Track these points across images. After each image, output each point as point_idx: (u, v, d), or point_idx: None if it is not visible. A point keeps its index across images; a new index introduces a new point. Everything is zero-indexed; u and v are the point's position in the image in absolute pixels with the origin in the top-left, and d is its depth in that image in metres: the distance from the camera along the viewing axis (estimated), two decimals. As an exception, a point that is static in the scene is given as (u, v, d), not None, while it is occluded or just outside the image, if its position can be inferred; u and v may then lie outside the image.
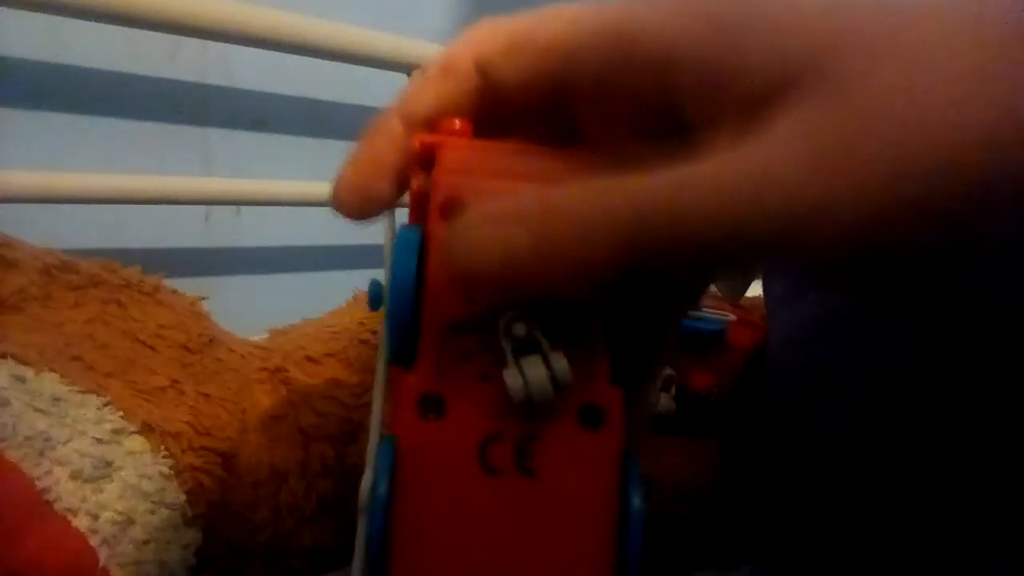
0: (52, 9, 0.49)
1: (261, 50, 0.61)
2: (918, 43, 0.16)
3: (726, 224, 0.16)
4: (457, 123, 0.22)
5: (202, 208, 0.64)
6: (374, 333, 0.36)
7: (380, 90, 0.69)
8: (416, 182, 0.21)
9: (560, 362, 0.19)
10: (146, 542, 0.27)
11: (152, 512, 0.27)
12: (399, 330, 0.20)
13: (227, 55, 0.64)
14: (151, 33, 0.56)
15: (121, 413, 0.28)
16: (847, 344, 0.33)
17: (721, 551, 0.37)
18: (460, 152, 0.21)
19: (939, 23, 0.16)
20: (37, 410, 0.26)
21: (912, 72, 0.16)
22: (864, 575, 0.31)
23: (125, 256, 0.36)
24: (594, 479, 0.20)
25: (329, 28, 0.61)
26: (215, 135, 0.65)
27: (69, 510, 0.25)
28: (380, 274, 0.22)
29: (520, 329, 0.19)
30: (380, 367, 0.22)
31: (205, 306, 0.37)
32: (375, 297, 0.22)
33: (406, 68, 0.64)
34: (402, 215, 0.23)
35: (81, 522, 0.25)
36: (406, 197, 0.22)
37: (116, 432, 0.28)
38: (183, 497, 0.29)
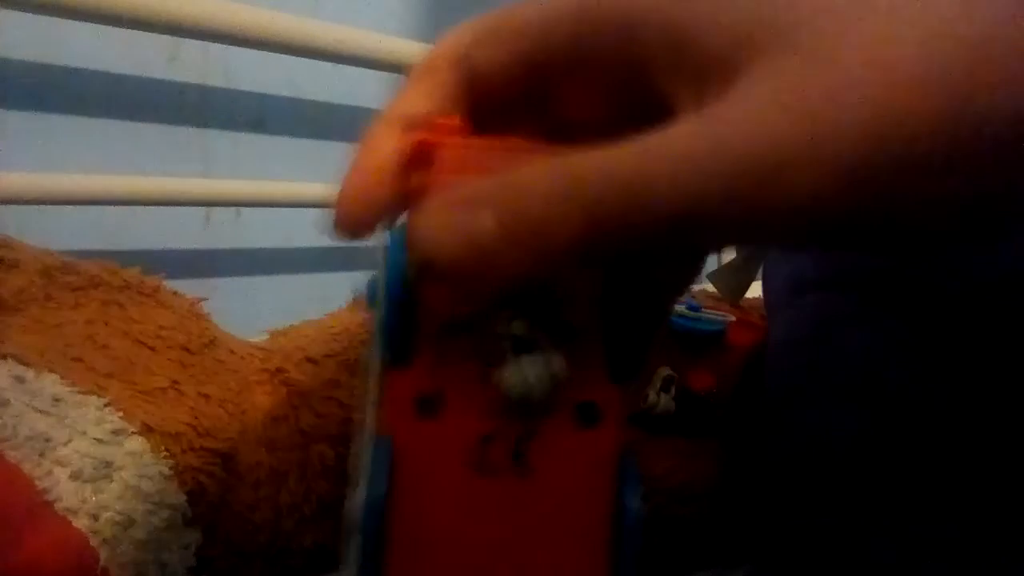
0: (52, 10, 0.49)
1: (261, 51, 0.61)
2: (886, 1, 0.15)
3: (691, 190, 0.16)
4: (453, 120, 0.22)
5: (202, 209, 0.65)
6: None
7: (379, 91, 0.69)
8: (414, 182, 0.21)
9: (557, 361, 0.19)
10: (146, 542, 0.27)
11: (152, 513, 0.27)
12: (394, 329, 0.20)
13: (227, 56, 0.64)
14: (151, 34, 0.56)
15: (121, 414, 0.28)
16: (847, 344, 0.33)
17: (720, 551, 0.37)
18: (457, 150, 0.21)
19: None
20: (37, 411, 0.26)
21: (882, 27, 0.15)
22: (864, 575, 0.31)
23: (125, 257, 0.36)
24: (591, 477, 0.20)
25: (328, 29, 0.61)
26: (215, 136, 0.65)
27: (69, 510, 0.25)
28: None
29: (518, 327, 0.20)
30: (372, 367, 0.22)
31: (205, 307, 0.37)
32: (372, 295, 0.22)
33: (405, 70, 0.64)
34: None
35: (81, 522, 0.25)
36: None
37: (116, 433, 0.28)
38: (183, 498, 0.29)
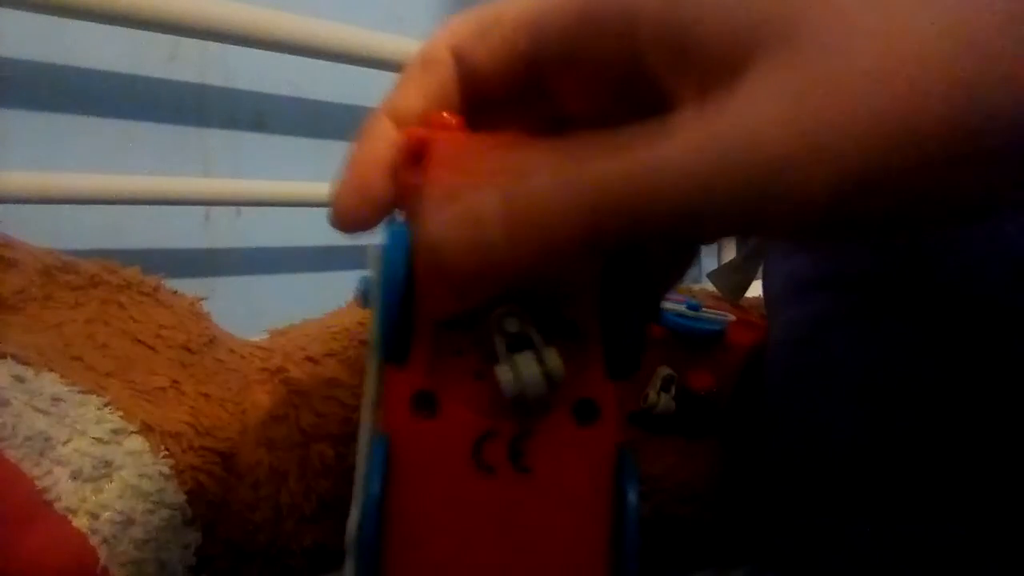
0: (52, 10, 0.49)
1: (261, 50, 0.61)
2: None
3: (697, 190, 0.16)
4: (448, 116, 0.22)
5: (202, 208, 0.64)
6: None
7: (380, 90, 0.69)
8: (408, 177, 0.21)
9: (553, 358, 0.19)
10: (146, 542, 0.27)
11: (152, 512, 0.27)
12: (391, 327, 0.20)
13: (227, 55, 0.64)
14: (151, 33, 0.56)
15: (121, 413, 0.28)
16: (847, 344, 0.33)
17: (721, 551, 0.37)
18: (452, 146, 0.21)
19: None
20: (37, 410, 0.26)
21: (887, 25, 0.15)
22: (864, 575, 0.31)
23: (125, 256, 0.36)
24: (589, 475, 0.20)
25: (329, 28, 0.61)
26: (215, 135, 0.65)
27: (69, 510, 0.25)
28: None
29: (512, 324, 0.19)
30: (371, 365, 0.22)
31: (205, 306, 0.37)
32: (365, 294, 0.22)
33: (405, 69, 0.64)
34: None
35: (81, 522, 0.25)
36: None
37: (116, 432, 0.28)
38: (183, 497, 0.29)
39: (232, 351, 0.35)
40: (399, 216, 0.22)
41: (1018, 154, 0.15)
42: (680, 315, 0.38)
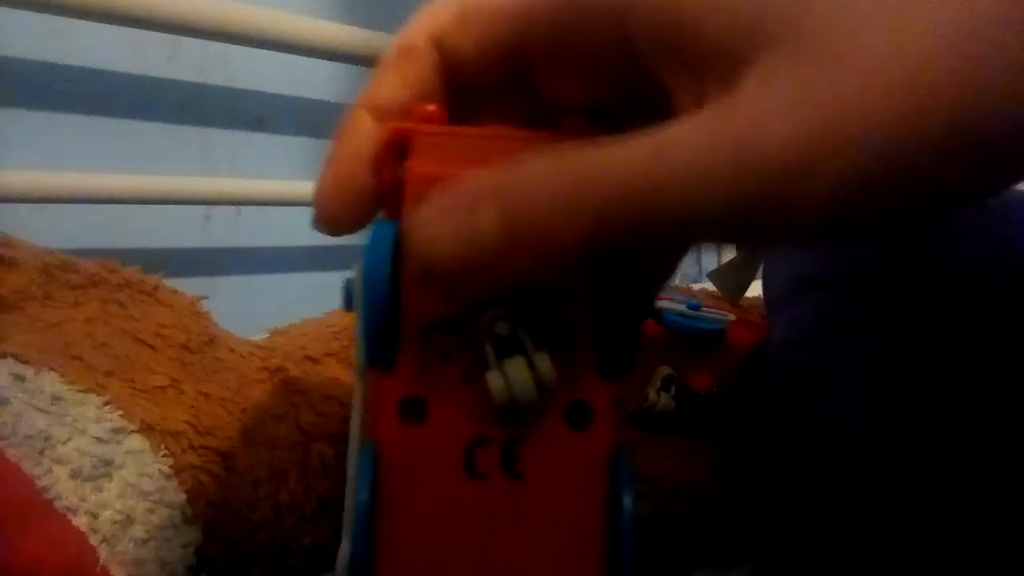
0: (52, 9, 0.49)
1: (261, 50, 0.61)
2: None
3: (705, 196, 0.15)
4: (431, 107, 0.21)
5: (202, 208, 0.64)
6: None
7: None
8: (390, 171, 0.20)
9: (544, 362, 0.19)
10: (146, 541, 0.27)
11: (152, 511, 0.27)
12: (375, 331, 0.19)
13: (227, 55, 0.64)
14: (151, 33, 0.56)
15: (121, 412, 0.28)
16: (847, 344, 0.33)
17: (720, 551, 0.37)
18: (434, 139, 0.20)
19: None
20: (37, 409, 0.26)
21: (891, 21, 0.15)
22: (864, 575, 0.31)
23: (125, 256, 0.36)
24: (583, 480, 0.19)
25: (329, 28, 0.61)
26: (215, 135, 0.65)
27: (69, 509, 0.25)
28: None
29: (502, 328, 0.19)
30: (357, 370, 0.21)
31: (205, 305, 0.37)
32: (349, 297, 0.21)
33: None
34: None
35: (81, 521, 0.25)
36: None
37: (116, 431, 0.27)
38: (183, 496, 0.29)
39: (232, 350, 0.35)
40: (382, 216, 0.21)
41: (1021, 148, 0.15)
42: (680, 315, 0.38)
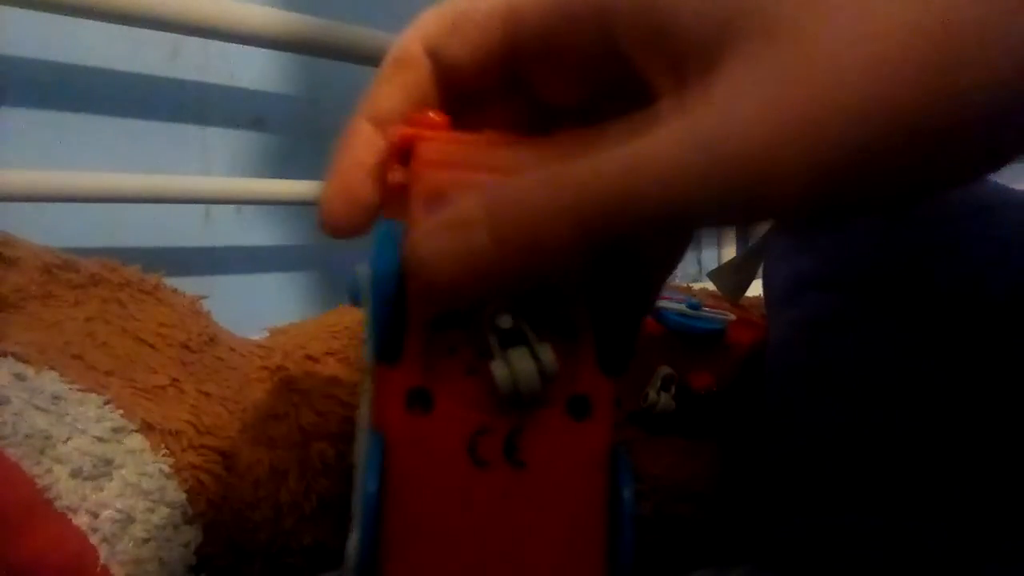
0: (53, 8, 0.49)
1: (261, 49, 0.61)
2: None
3: (683, 194, 0.16)
4: (434, 115, 0.22)
5: (202, 207, 0.64)
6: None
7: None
8: (394, 176, 0.21)
9: (546, 353, 0.19)
10: (146, 540, 0.27)
11: (152, 510, 0.27)
12: (383, 327, 0.20)
13: (227, 55, 0.64)
14: (151, 32, 0.56)
15: (121, 411, 0.28)
16: (847, 344, 0.33)
17: (720, 550, 0.37)
18: (438, 144, 0.21)
19: None
20: (37, 408, 0.26)
21: (861, 11, 0.15)
22: (862, 575, 0.31)
23: (125, 255, 0.36)
24: (583, 469, 0.20)
25: (329, 28, 0.61)
26: (215, 134, 0.65)
27: (69, 508, 0.25)
28: None
29: (505, 321, 0.19)
30: (366, 363, 0.22)
31: (205, 305, 0.37)
32: (354, 292, 0.22)
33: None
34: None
35: (81, 520, 0.25)
36: None
37: (116, 430, 0.28)
38: (183, 495, 0.29)
39: (232, 349, 0.35)
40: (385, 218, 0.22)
41: (993, 130, 0.15)
42: (680, 314, 0.38)
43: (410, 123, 0.22)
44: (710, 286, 0.45)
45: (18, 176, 0.50)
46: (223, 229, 0.66)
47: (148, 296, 0.34)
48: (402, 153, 0.21)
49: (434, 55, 0.22)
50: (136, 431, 0.28)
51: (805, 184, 0.15)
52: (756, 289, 0.42)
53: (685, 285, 0.49)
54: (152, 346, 0.32)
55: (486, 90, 0.22)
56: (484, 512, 0.20)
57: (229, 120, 0.66)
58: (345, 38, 0.61)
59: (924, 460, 0.30)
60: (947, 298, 0.31)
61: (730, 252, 0.97)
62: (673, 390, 0.36)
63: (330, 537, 0.32)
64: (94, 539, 0.25)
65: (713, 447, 0.37)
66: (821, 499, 0.33)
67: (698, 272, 0.93)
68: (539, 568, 0.20)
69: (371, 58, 0.62)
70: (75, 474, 0.25)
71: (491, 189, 0.18)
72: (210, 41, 0.61)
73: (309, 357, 0.35)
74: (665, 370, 0.37)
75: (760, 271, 0.42)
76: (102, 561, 0.25)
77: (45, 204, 0.52)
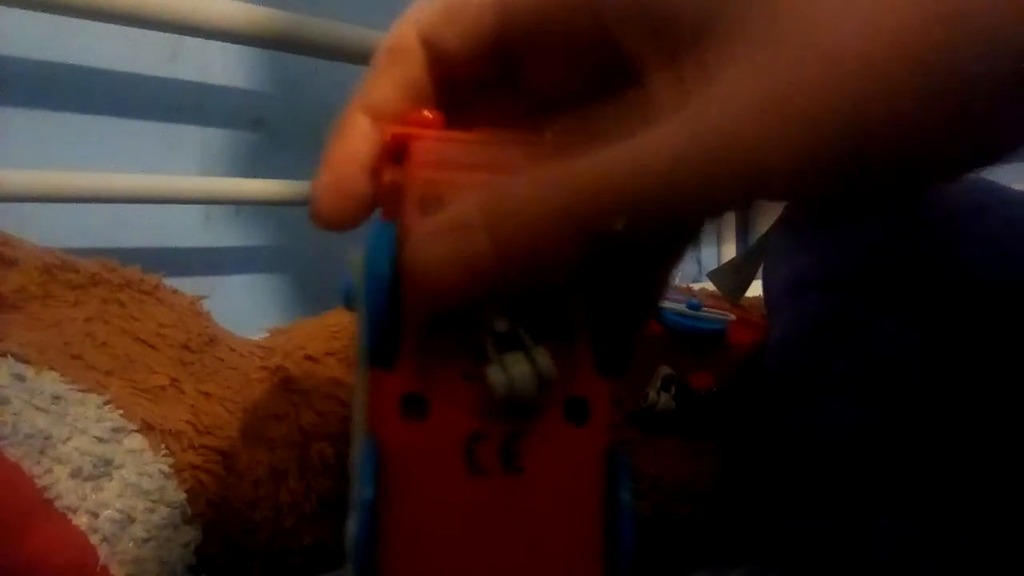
0: (53, 8, 0.49)
1: (261, 50, 0.61)
2: None
3: (678, 177, 0.16)
4: (428, 114, 0.21)
5: (202, 207, 0.64)
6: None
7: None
8: (388, 175, 0.21)
9: (543, 357, 0.19)
10: (146, 540, 0.27)
11: (152, 510, 0.27)
12: (377, 330, 0.19)
13: (227, 55, 0.64)
14: (151, 33, 0.56)
15: (121, 411, 0.28)
16: (847, 344, 0.33)
17: (720, 550, 0.37)
18: (433, 144, 0.21)
19: None
20: (37, 408, 0.26)
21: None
22: (863, 575, 0.31)
23: (125, 255, 0.36)
24: (581, 474, 0.20)
25: (329, 28, 0.61)
26: (215, 134, 0.65)
27: (69, 508, 0.25)
28: None
29: (501, 325, 0.19)
30: (359, 368, 0.21)
31: (205, 305, 0.37)
32: (347, 294, 0.21)
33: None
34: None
35: (81, 520, 0.25)
36: None
37: (116, 430, 0.28)
38: (183, 495, 0.29)
39: (232, 350, 0.35)
40: (379, 215, 0.22)
41: (990, 122, 0.15)
42: (680, 314, 0.38)
43: (403, 122, 0.21)
44: (710, 286, 0.45)
45: (18, 176, 0.50)
46: (223, 229, 0.66)
47: (148, 296, 0.34)
48: (395, 152, 0.21)
49: (428, 45, 0.22)
50: (136, 431, 0.28)
51: (804, 172, 0.15)
52: (756, 289, 0.42)
53: (685, 285, 0.49)
54: (152, 346, 0.32)
55: (478, 81, 0.22)
56: (481, 519, 0.19)
57: (229, 120, 0.66)
58: (345, 39, 0.61)
59: (924, 460, 0.30)
60: (947, 298, 0.31)
61: (730, 252, 0.97)
62: (673, 390, 0.36)
63: (330, 537, 0.32)
64: (94, 539, 0.25)
65: (713, 447, 0.37)
66: (821, 499, 0.33)
67: (698, 272, 0.93)
68: (538, 574, 0.20)
69: (371, 58, 0.62)
70: (75, 474, 0.25)
71: (489, 190, 0.18)
72: (210, 41, 0.61)
73: (309, 357, 0.35)
74: (665, 370, 0.37)
75: (760, 271, 0.42)
76: (102, 561, 0.25)
77: (45, 204, 0.52)
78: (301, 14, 0.59)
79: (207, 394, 0.32)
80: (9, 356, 0.27)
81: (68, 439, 0.26)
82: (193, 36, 0.57)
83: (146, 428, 0.29)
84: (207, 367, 0.33)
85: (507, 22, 0.20)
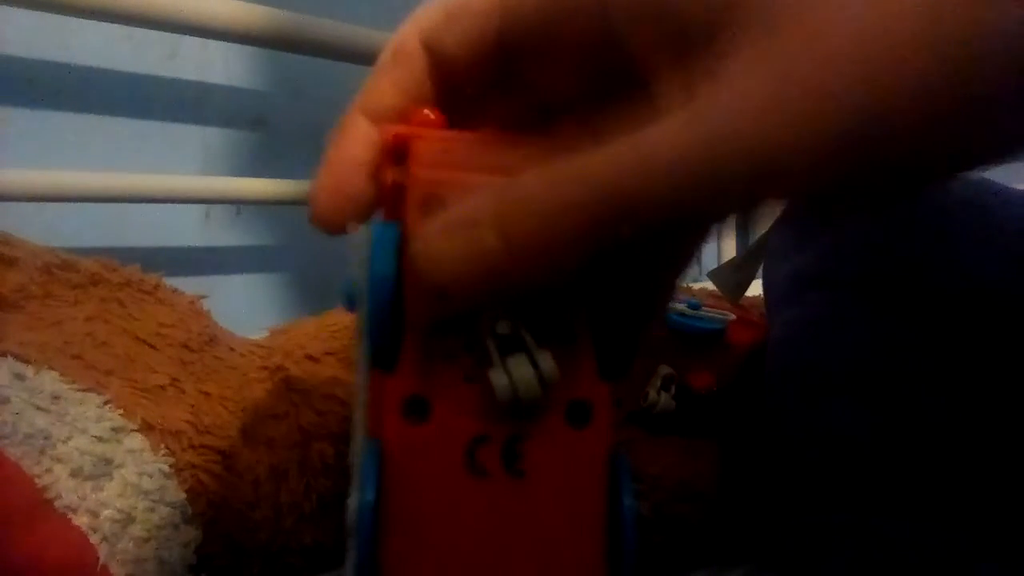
0: (53, 8, 0.49)
1: (261, 49, 0.61)
2: None
3: (689, 176, 0.16)
4: (430, 114, 0.21)
5: (202, 207, 0.64)
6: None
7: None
8: (389, 175, 0.21)
9: (546, 360, 0.19)
10: (146, 540, 0.27)
11: (152, 510, 0.27)
12: (380, 332, 0.19)
13: (227, 55, 0.64)
14: (151, 32, 0.56)
15: (121, 411, 0.28)
16: (847, 343, 0.33)
17: (720, 550, 0.37)
18: (434, 144, 0.20)
19: None
20: (37, 408, 0.26)
21: None
22: (863, 575, 0.31)
23: (125, 255, 0.36)
24: (583, 478, 0.20)
25: (329, 28, 0.61)
26: (215, 134, 0.65)
27: (69, 508, 0.25)
28: None
29: (504, 327, 0.19)
30: (360, 370, 0.21)
31: (205, 304, 0.37)
32: (349, 297, 0.21)
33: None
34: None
35: (81, 520, 0.25)
36: None
37: (116, 430, 0.27)
38: (183, 495, 0.29)
39: (232, 349, 0.35)
40: (379, 216, 0.22)
41: (1001, 117, 0.15)
42: (680, 314, 0.38)
43: (405, 121, 0.21)
44: (710, 286, 0.45)
45: (18, 176, 0.50)
46: (223, 229, 0.66)
47: (148, 296, 0.34)
48: (397, 153, 0.20)
49: (430, 48, 0.22)
50: (136, 431, 0.28)
51: (813, 170, 0.15)
52: (756, 289, 0.42)
53: (685, 285, 0.49)
54: (152, 346, 0.32)
55: (481, 86, 0.22)
56: (483, 523, 0.19)
57: (229, 120, 0.66)
58: (345, 38, 0.61)
59: (924, 459, 0.30)
60: (946, 297, 0.31)
61: (730, 252, 0.97)
62: (673, 390, 0.36)
63: (330, 537, 0.32)
64: (94, 539, 0.25)
65: (713, 447, 0.37)
66: (821, 499, 0.33)
67: (698, 272, 0.93)
68: None
69: (371, 58, 0.62)
70: (75, 474, 0.25)
71: (497, 188, 0.18)
72: (209, 41, 0.61)
73: (309, 357, 0.35)
74: (665, 370, 0.37)
75: (760, 271, 0.42)
76: (102, 561, 0.25)
77: (45, 204, 0.52)
78: (301, 14, 0.59)
79: (207, 394, 0.32)
80: (9, 356, 0.27)
81: (68, 439, 0.26)
82: (193, 35, 0.57)
83: (146, 428, 0.29)
84: (207, 367, 0.33)
85: (510, 26, 0.20)
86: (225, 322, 0.37)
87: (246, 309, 0.65)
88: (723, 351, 0.39)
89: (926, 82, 0.14)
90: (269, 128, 0.68)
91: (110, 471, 0.27)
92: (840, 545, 0.31)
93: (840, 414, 0.32)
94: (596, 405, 0.20)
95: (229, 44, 0.60)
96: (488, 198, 0.18)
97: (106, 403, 0.28)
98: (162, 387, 0.31)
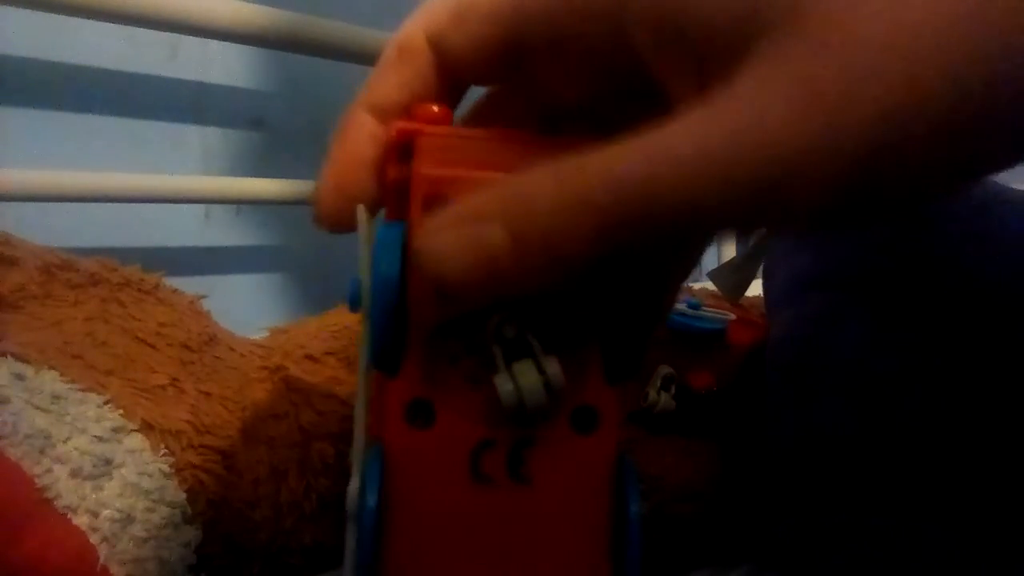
0: (52, 8, 0.49)
1: (261, 49, 0.61)
2: None
3: (704, 191, 0.15)
4: (435, 109, 0.21)
5: (202, 207, 0.64)
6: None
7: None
8: (393, 172, 0.20)
9: (552, 366, 0.18)
10: (146, 540, 0.27)
11: (152, 510, 0.27)
12: (383, 334, 0.19)
13: (227, 55, 0.64)
14: (151, 32, 0.56)
15: (121, 411, 0.28)
16: (847, 343, 0.33)
17: (720, 550, 0.37)
18: (440, 140, 0.20)
19: None
20: (37, 408, 0.26)
21: (897, 3, 0.15)
22: (863, 575, 0.31)
23: (125, 254, 0.36)
24: (589, 484, 0.19)
25: (329, 28, 0.61)
26: (215, 134, 0.65)
27: (69, 508, 0.25)
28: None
29: (509, 331, 0.19)
30: (361, 372, 0.21)
31: (205, 304, 0.37)
32: (354, 297, 0.20)
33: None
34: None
35: (81, 520, 0.25)
36: None
37: (116, 430, 0.27)
38: (183, 495, 0.29)
39: (232, 349, 0.35)
40: (383, 214, 0.21)
41: (1018, 111, 0.15)
42: (680, 314, 0.38)
43: (410, 117, 0.21)
44: (710, 286, 0.45)
45: (18, 176, 0.50)
46: (223, 229, 0.66)
47: (148, 296, 0.34)
48: (402, 148, 0.20)
49: (436, 46, 0.21)
50: (136, 431, 0.28)
51: (834, 178, 0.15)
52: (756, 289, 0.42)
53: (685, 285, 0.49)
54: (152, 346, 0.32)
55: (487, 84, 0.22)
56: (486, 530, 0.19)
57: (228, 120, 0.66)
58: (346, 38, 0.61)
59: (924, 459, 0.30)
60: (947, 297, 0.31)
61: (730, 252, 0.97)
62: (673, 390, 0.36)
63: (330, 537, 0.32)
64: (94, 539, 0.25)
65: (713, 447, 0.37)
66: (821, 499, 0.33)
67: (698, 272, 0.93)
68: None
69: (371, 58, 0.62)
70: (75, 474, 0.25)
71: (505, 183, 0.17)
72: (210, 41, 0.61)
73: (309, 357, 0.35)
74: (665, 370, 0.37)
75: (760, 271, 0.42)
76: (102, 561, 0.25)
77: (44, 204, 0.52)
78: (301, 14, 0.59)
79: (207, 393, 0.32)
80: (9, 356, 0.27)
81: (68, 439, 0.26)
82: (193, 36, 0.57)
83: (146, 428, 0.29)
84: (207, 367, 0.33)
85: (520, 26, 0.20)
86: (225, 322, 0.37)
87: (246, 309, 0.65)
88: (723, 351, 0.39)
89: (962, 87, 0.14)
90: (269, 128, 0.68)
91: (110, 471, 0.27)
92: (840, 545, 0.31)
93: (841, 414, 0.32)
94: (603, 411, 0.20)
95: (229, 44, 0.60)
96: (495, 193, 0.17)
97: (106, 403, 0.28)
98: (162, 387, 0.31)
